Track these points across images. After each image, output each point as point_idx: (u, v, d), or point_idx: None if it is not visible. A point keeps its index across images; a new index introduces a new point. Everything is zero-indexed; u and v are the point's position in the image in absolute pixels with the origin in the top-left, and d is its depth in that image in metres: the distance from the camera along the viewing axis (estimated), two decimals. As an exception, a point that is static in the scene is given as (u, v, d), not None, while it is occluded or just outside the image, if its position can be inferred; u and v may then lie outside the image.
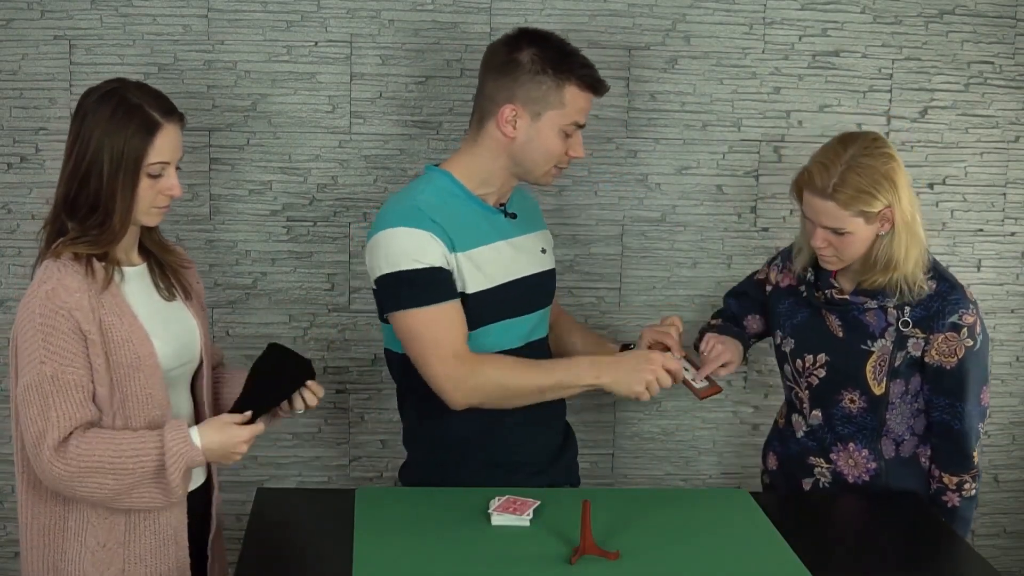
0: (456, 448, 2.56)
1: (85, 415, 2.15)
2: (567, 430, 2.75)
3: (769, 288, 2.74)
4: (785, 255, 2.75)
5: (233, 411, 2.26)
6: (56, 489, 2.17)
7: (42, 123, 2.99)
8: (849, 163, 2.42)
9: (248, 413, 2.25)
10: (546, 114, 2.45)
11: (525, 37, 2.48)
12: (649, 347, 2.59)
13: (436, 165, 2.56)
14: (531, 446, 2.58)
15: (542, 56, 2.44)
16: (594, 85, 2.48)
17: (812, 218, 2.48)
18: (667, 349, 2.57)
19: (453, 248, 2.44)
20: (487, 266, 2.49)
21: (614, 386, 2.44)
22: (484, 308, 2.49)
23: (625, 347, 2.67)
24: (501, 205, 2.58)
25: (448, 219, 2.45)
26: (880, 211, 2.44)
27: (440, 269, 2.42)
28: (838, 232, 2.46)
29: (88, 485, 2.14)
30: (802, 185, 2.48)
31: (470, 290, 2.47)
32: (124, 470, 2.14)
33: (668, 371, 2.43)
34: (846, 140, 2.48)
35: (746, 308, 2.82)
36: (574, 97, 2.45)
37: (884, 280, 2.50)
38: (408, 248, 2.41)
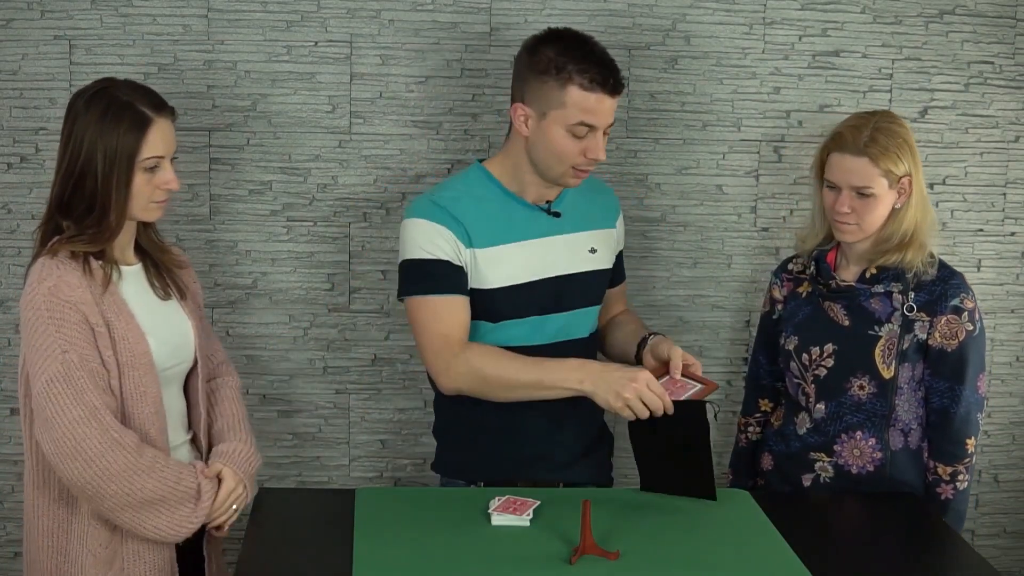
0: (479, 438, 2.60)
1: (111, 402, 2.16)
2: (601, 428, 2.75)
3: (779, 307, 2.77)
4: (778, 270, 2.80)
5: None
6: (113, 471, 2.14)
7: (42, 123, 2.99)
8: (877, 125, 2.56)
9: None
10: (550, 114, 2.45)
11: (545, 37, 2.50)
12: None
13: (481, 160, 2.62)
14: (556, 439, 2.59)
15: (551, 55, 2.44)
16: (599, 83, 2.42)
17: (839, 179, 2.55)
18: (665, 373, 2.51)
19: (470, 244, 2.50)
20: (510, 263, 2.53)
21: (596, 395, 2.40)
22: (504, 304, 2.54)
23: (643, 340, 2.60)
24: (547, 202, 2.59)
25: (470, 215, 2.52)
26: (901, 177, 2.54)
27: (446, 263, 2.49)
28: (863, 193, 2.54)
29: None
30: (830, 150, 2.58)
31: (489, 286, 2.52)
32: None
33: (652, 392, 2.35)
34: (866, 112, 2.63)
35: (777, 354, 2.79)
36: (578, 97, 2.42)
37: (898, 258, 2.57)
38: (419, 238, 2.50)
